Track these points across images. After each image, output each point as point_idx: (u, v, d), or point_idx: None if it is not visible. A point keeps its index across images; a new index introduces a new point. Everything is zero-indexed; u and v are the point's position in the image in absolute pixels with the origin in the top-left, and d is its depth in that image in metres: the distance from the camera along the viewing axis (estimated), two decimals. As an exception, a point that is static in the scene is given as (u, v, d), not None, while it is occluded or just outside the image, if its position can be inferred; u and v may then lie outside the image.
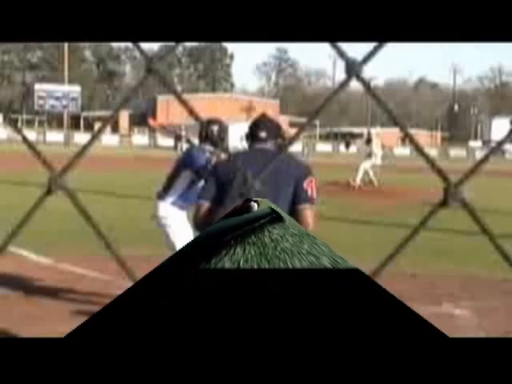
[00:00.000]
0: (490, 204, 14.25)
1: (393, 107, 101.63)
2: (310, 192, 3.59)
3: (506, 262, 0.76)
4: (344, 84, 0.78)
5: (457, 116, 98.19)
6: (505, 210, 14.60)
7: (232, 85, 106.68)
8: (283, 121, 46.05)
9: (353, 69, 0.76)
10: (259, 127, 3.78)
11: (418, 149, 0.75)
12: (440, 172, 0.74)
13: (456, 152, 67.40)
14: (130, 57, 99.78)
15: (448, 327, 6.02)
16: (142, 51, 0.77)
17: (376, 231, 11.38)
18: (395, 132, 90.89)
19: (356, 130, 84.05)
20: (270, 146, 3.74)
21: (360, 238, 10.56)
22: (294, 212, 3.51)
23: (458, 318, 6.32)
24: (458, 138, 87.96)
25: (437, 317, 6.37)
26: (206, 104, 62.27)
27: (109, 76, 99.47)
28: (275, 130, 3.83)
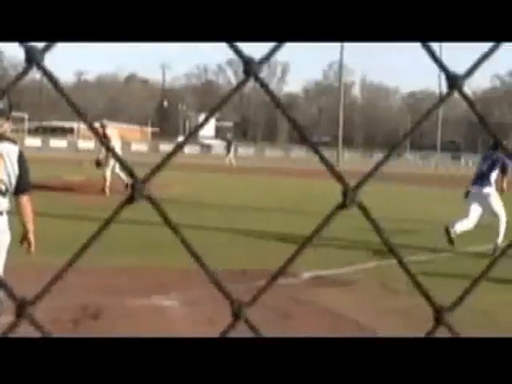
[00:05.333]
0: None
1: (105, 103, 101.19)
2: None
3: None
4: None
5: (166, 112, 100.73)
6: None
7: None
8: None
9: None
10: None
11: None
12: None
13: (165, 147, 69.11)
14: None
15: (158, 318, 6.21)
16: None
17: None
18: (136, 128, 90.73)
19: (67, 124, 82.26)
20: None
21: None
22: None
23: (167, 309, 6.54)
24: (168, 133, 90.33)
25: (147, 308, 6.51)
26: None
27: None
28: None
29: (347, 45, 63.27)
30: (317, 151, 0.75)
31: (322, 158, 0.75)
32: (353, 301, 7.18)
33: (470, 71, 0.78)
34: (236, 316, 0.75)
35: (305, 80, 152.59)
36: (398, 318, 6.40)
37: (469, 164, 66.75)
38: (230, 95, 0.74)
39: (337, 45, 63.01)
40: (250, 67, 0.73)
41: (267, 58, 0.74)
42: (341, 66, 63.47)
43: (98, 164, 17.64)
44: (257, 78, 0.73)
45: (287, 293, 7.17)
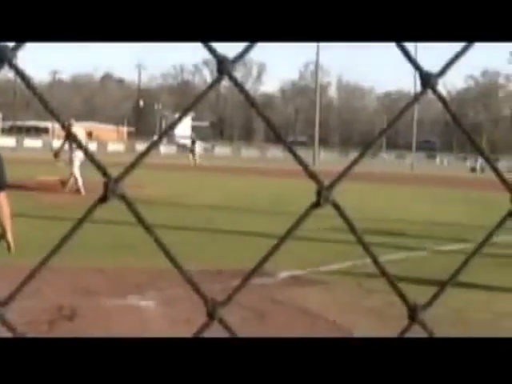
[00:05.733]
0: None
1: (80, 102, 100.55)
2: None
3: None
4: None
5: (142, 111, 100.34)
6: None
7: None
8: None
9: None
10: None
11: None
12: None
13: (141, 147, 68.88)
14: None
15: (134, 318, 6.19)
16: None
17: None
18: (113, 128, 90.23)
19: (42, 124, 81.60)
20: None
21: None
22: None
23: (144, 309, 6.52)
24: (144, 132, 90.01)
25: (123, 309, 6.48)
26: None
27: None
28: None
29: (323, 45, 63.50)
30: (291, 150, 0.75)
31: (296, 157, 0.75)
32: (329, 300, 7.20)
33: (443, 70, 0.78)
34: (210, 316, 0.75)
35: (281, 80, 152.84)
36: (374, 317, 6.44)
37: (444, 163, 67.30)
38: (203, 94, 0.74)
39: (313, 45, 63.27)
40: (223, 66, 0.73)
41: (240, 56, 0.74)
42: (317, 66, 63.70)
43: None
44: (230, 77, 0.73)
45: (264, 293, 7.18)
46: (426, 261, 9.68)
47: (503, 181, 0.85)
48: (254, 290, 7.13)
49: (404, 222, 14.13)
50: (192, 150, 42.72)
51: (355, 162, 0.76)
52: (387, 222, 14.19)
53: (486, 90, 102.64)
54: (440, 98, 0.80)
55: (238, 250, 9.69)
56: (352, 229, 0.77)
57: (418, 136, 76.35)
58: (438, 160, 74.38)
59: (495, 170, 0.86)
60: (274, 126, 0.74)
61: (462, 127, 0.83)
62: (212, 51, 0.73)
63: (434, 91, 0.78)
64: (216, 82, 0.75)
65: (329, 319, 6.41)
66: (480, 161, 49.81)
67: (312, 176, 0.75)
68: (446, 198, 22.58)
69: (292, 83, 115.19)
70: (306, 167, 0.75)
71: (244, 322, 5.91)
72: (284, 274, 8.16)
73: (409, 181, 32.05)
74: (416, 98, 0.77)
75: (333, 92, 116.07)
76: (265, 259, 0.74)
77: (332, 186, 0.75)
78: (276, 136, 0.76)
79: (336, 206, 0.76)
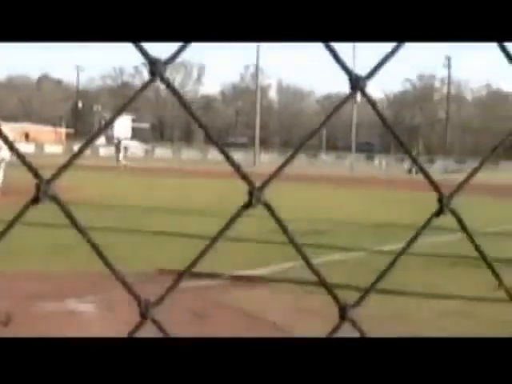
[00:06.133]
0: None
1: (16, 103, 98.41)
2: None
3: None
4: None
5: (81, 113, 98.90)
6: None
7: None
8: None
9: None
10: None
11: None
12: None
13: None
14: None
15: (72, 322, 6.10)
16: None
17: None
18: (50, 129, 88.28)
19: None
20: None
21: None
22: None
23: (82, 313, 6.44)
24: (83, 134, 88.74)
25: (61, 313, 6.39)
26: None
27: None
28: None
29: (264, 47, 63.61)
30: (223, 151, 0.75)
31: (228, 158, 0.76)
32: (269, 301, 7.23)
33: (372, 72, 0.80)
34: (143, 316, 0.75)
35: (222, 82, 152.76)
36: (314, 317, 6.49)
37: (382, 165, 68.22)
38: (135, 95, 0.74)
39: (253, 48, 63.39)
40: (155, 67, 0.73)
41: (172, 58, 0.74)
42: (257, 68, 63.88)
43: None
44: (162, 79, 0.74)
45: (203, 294, 7.17)
46: (365, 261, 9.81)
47: (430, 182, 0.87)
48: (194, 292, 7.11)
49: (342, 223, 14.28)
50: (118, 151, 40.91)
51: (286, 163, 0.77)
52: (325, 222, 14.31)
53: (422, 94, 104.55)
54: (369, 100, 0.82)
55: (173, 250, 9.64)
56: (283, 229, 0.78)
57: (358, 138, 77.22)
58: (376, 161, 75.39)
59: (422, 170, 0.88)
60: (206, 127, 0.75)
61: (390, 129, 0.85)
62: (144, 53, 0.73)
63: (363, 93, 0.80)
64: (147, 84, 0.75)
65: (269, 320, 6.44)
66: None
67: (244, 177, 0.76)
68: (383, 198, 22.92)
69: (233, 85, 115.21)
70: (237, 168, 0.76)
71: (182, 323, 5.89)
72: (224, 276, 8.16)
73: (348, 182, 32.42)
74: (344, 100, 0.78)
75: (273, 94, 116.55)
76: (196, 260, 0.74)
77: (263, 186, 0.76)
78: (208, 137, 0.77)
79: (267, 207, 0.77)
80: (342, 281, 7.18)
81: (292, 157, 0.77)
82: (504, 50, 0.84)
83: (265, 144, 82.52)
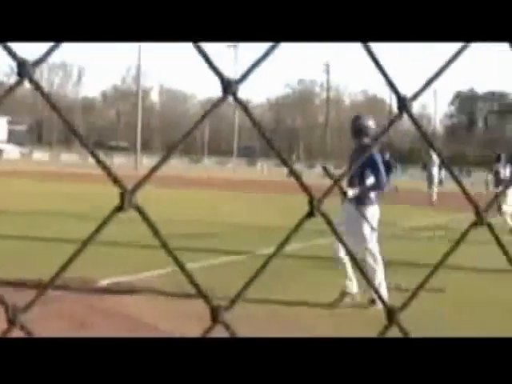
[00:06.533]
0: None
1: None
2: None
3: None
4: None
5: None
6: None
7: None
8: None
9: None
10: None
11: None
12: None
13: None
14: None
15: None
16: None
17: None
18: None
19: None
20: None
21: None
22: None
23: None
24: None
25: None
26: None
27: None
28: None
29: (144, 49, 63.04)
30: (94, 155, 0.75)
31: (99, 162, 0.75)
32: (151, 306, 7.18)
33: (244, 76, 0.82)
34: (12, 322, 0.73)
35: (103, 84, 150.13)
36: (194, 321, 6.49)
37: (264, 168, 69.15)
38: (2, 97, 0.72)
39: (136, 49, 62.66)
40: (23, 68, 0.72)
41: (42, 59, 0.73)
42: (138, 70, 63.27)
43: None
44: (31, 80, 0.72)
45: (83, 301, 7.03)
46: (247, 264, 9.91)
47: (300, 184, 0.90)
48: (74, 299, 6.96)
49: (224, 226, 14.37)
50: None
51: (157, 166, 0.77)
52: (206, 226, 14.36)
53: (302, 98, 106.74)
54: (240, 104, 0.84)
55: (58, 256, 9.39)
56: (155, 233, 0.79)
57: (240, 141, 78.00)
58: (258, 165, 76.38)
59: (293, 173, 0.91)
60: (74, 130, 0.74)
61: (262, 133, 0.87)
62: (11, 53, 0.72)
63: (235, 98, 0.81)
64: (16, 85, 0.74)
65: (150, 324, 6.39)
66: (295, 166, 51.61)
67: (115, 180, 0.76)
68: (262, 201, 23.25)
69: (114, 87, 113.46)
70: (108, 171, 0.76)
71: (62, 330, 5.75)
72: (104, 282, 8.03)
73: (229, 186, 32.65)
74: (214, 105, 0.80)
75: (155, 96, 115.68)
76: (63, 267, 0.73)
77: (135, 189, 0.76)
78: (79, 141, 0.76)
79: (139, 210, 0.77)
80: (219, 283, 7.23)
81: (164, 160, 0.78)
82: (369, 50, 0.87)
83: (147, 147, 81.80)
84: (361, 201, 7.27)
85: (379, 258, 7.34)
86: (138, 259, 9.66)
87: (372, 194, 7.39)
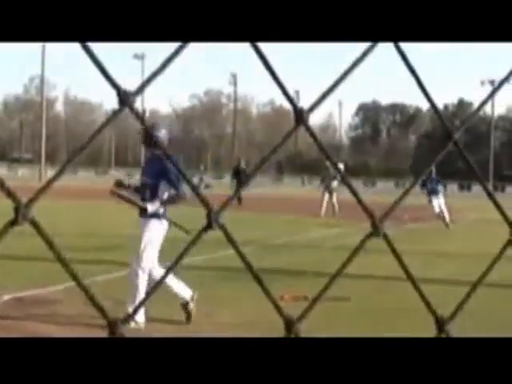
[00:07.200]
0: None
1: None
2: None
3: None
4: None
5: None
6: None
7: None
8: None
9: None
10: None
11: None
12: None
13: None
14: None
15: None
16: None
17: None
18: None
19: None
20: None
21: None
22: None
23: None
24: None
25: None
26: None
27: None
28: None
29: (49, 59, 61.64)
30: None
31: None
32: (59, 320, 7.02)
33: (141, 88, 0.82)
34: None
35: (4, 94, 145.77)
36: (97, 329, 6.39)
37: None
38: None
39: (38, 59, 61.28)
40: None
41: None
42: (42, 80, 61.87)
43: None
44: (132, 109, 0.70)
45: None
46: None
47: (197, 195, 0.90)
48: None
49: (127, 238, 14.19)
50: None
51: (53, 179, 0.76)
52: (111, 238, 14.15)
53: (209, 109, 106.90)
54: (136, 114, 0.83)
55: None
56: (51, 246, 0.78)
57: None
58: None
59: (191, 186, 0.91)
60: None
61: (158, 144, 0.87)
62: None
63: (131, 109, 0.81)
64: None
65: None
66: (205, 177, 51.56)
67: (8, 194, 0.74)
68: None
69: (15, 97, 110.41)
70: (2, 185, 0.74)
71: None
72: (6, 297, 7.81)
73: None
74: (115, 113, 0.79)
75: (60, 106, 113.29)
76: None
77: (31, 202, 0.75)
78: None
79: (34, 224, 0.76)
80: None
81: (59, 174, 0.77)
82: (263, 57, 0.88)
83: (52, 158, 79.96)
84: (152, 215, 7.13)
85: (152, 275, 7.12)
86: (43, 274, 9.42)
87: (162, 209, 7.27)
